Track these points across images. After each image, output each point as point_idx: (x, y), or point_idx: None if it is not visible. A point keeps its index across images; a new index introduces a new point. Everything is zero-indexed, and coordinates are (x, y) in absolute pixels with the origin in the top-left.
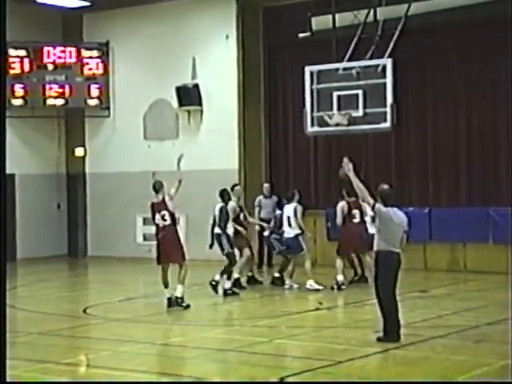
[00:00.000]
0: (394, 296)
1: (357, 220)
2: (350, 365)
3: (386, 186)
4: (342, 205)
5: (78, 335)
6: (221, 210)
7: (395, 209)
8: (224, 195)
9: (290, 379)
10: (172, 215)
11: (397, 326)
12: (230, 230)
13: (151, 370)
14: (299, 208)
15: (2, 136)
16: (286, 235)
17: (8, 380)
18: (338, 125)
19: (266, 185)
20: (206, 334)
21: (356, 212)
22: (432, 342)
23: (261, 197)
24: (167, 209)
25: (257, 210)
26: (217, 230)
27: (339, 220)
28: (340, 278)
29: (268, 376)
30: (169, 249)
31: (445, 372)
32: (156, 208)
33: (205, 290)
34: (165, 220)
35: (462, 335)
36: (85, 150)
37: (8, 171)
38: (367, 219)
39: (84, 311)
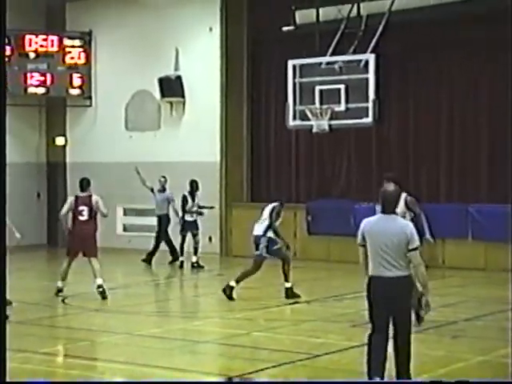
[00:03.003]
0: (373, 330)
1: (84, 218)
2: (328, 358)
3: (388, 189)
4: (70, 199)
5: (57, 325)
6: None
7: (385, 217)
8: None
9: (267, 372)
10: None
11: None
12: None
13: (128, 361)
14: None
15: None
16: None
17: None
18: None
19: (161, 179)
20: (185, 325)
21: (84, 208)
22: None
23: (156, 191)
24: None
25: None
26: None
27: (63, 212)
28: (99, 281)
29: (245, 368)
30: None
31: (422, 367)
32: None
33: (184, 281)
34: None
35: (439, 330)
36: (65, 140)
37: None
38: None
39: (63, 301)
